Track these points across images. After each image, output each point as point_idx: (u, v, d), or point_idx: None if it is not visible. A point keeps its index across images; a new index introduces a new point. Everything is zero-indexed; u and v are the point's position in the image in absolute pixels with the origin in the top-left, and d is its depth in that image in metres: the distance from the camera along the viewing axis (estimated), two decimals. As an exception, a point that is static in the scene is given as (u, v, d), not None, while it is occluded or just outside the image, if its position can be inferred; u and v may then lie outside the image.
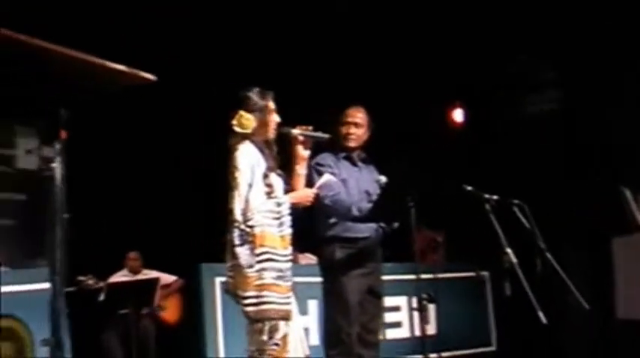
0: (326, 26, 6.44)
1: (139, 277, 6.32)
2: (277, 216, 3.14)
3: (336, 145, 4.03)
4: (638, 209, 5.80)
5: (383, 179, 4.01)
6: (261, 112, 3.28)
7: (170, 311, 6.43)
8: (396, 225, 4.04)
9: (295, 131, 3.41)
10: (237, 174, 3.13)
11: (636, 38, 6.15)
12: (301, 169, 3.42)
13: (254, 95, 3.29)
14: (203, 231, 5.61)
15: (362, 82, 6.37)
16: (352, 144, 4.05)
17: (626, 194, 5.79)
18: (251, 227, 3.07)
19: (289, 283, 3.14)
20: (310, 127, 3.47)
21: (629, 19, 6.10)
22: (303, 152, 3.41)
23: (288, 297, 3.12)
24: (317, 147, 3.64)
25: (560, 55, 6.70)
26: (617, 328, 5.64)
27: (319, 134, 3.50)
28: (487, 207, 3.88)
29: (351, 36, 6.55)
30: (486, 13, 6.55)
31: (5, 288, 3.96)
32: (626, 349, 5.56)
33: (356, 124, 4.05)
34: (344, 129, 4.04)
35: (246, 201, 3.09)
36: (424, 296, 3.63)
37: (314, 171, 3.76)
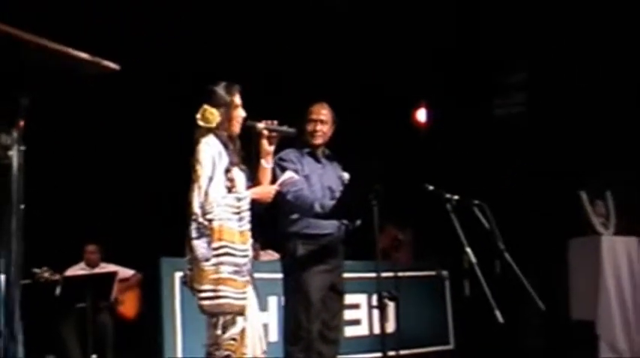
0: (297, 23, 6.43)
1: (96, 271, 6.23)
2: (237, 210, 3.12)
3: (299, 141, 4.03)
4: (594, 213, 5.94)
5: (346, 176, 4.02)
6: (227, 107, 3.26)
7: (128, 305, 6.35)
8: (358, 222, 4.05)
9: (260, 125, 3.40)
10: (197, 167, 3.12)
11: (603, 44, 6.28)
12: (267, 164, 3.42)
13: (220, 89, 3.28)
14: (163, 224, 5.55)
15: (328, 79, 6.38)
16: (318, 141, 4.05)
17: (583, 198, 5.92)
18: (209, 220, 3.05)
19: (246, 278, 3.12)
20: (275, 122, 3.46)
21: (597, 24, 6.22)
22: (268, 147, 3.42)
23: (244, 293, 3.10)
24: (283, 142, 3.63)
25: (528, 59, 6.80)
26: (571, 328, 5.76)
27: (285, 128, 3.50)
28: (448, 206, 3.91)
29: (321, 33, 6.55)
30: (456, 13, 6.61)
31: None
32: (579, 349, 5.68)
33: (321, 121, 4.04)
34: (309, 127, 4.03)
35: (206, 195, 3.07)
36: (385, 293, 3.64)
37: (277, 167, 3.75)
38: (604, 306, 5.55)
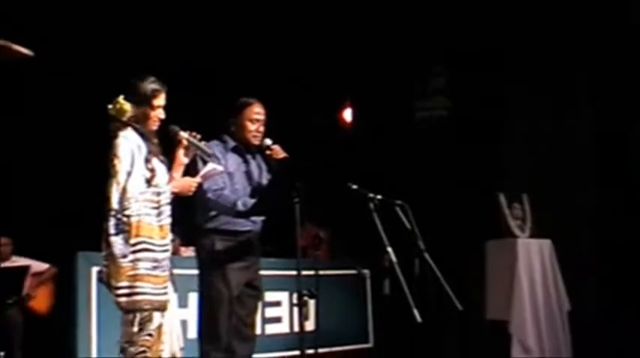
0: (223, 16, 6.36)
1: (7, 264, 6.00)
2: (156, 205, 3.08)
3: (225, 135, 3.97)
4: (511, 215, 6.11)
5: (268, 141, 3.93)
6: (143, 104, 3.18)
7: (40, 300, 6.15)
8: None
9: (184, 134, 3.35)
10: (115, 162, 3.06)
11: (523, 49, 6.47)
12: (176, 173, 3.34)
13: (142, 85, 3.19)
14: (79, 217, 5.37)
15: (253, 75, 6.33)
16: (258, 141, 3.97)
17: (501, 200, 6.08)
18: (128, 216, 3.00)
19: (166, 273, 3.08)
20: (199, 136, 3.41)
21: (517, 28, 6.40)
22: (182, 157, 3.36)
23: (164, 288, 3.07)
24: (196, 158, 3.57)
25: (452, 63, 6.92)
26: (485, 328, 5.92)
27: (204, 147, 3.45)
28: (370, 205, 3.94)
29: (251, 29, 6.51)
30: (382, 18, 6.67)
31: None
32: (493, 347, 5.83)
33: (263, 122, 3.99)
34: (252, 126, 3.94)
35: (124, 190, 3.02)
36: (305, 292, 3.63)
37: (199, 160, 3.66)
38: (517, 307, 5.71)
